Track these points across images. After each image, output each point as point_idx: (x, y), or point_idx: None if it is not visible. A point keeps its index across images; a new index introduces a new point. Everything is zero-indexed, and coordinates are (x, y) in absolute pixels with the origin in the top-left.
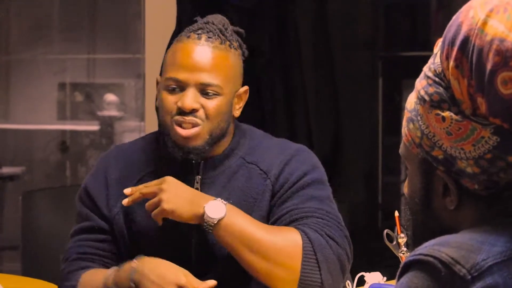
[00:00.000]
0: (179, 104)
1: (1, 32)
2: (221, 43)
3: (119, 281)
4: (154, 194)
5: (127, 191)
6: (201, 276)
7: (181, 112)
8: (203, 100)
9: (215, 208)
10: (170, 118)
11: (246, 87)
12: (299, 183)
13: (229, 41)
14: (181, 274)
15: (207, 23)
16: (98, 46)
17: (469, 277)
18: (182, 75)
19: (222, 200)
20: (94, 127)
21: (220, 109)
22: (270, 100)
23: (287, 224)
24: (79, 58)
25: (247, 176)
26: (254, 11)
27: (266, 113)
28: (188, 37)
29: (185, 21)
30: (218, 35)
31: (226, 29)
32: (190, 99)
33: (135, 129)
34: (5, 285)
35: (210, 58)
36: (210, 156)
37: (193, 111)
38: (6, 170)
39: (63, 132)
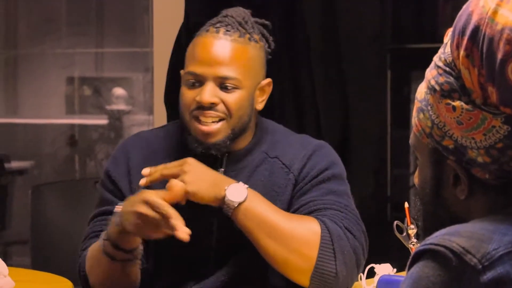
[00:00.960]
0: (198, 98)
1: (10, 27)
2: (240, 36)
3: (110, 230)
4: (175, 176)
5: (145, 171)
6: (221, 264)
7: (200, 107)
8: (222, 94)
9: (236, 191)
10: (189, 114)
11: (269, 79)
12: (319, 177)
13: (249, 33)
14: (143, 192)
15: (226, 16)
16: (106, 40)
17: (480, 266)
18: (200, 69)
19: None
20: (102, 121)
21: (241, 103)
22: (278, 93)
23: (306, 214)
24: (88, 52)
25: (269, 170)
26: (262, 5)
27: (275, 106)
28: (207, 31)
29: (193, 15)
30: (237, 28)
31: (246, 22)
32: (208, 93)
33: (144, 123)
34: (14, 279)
35: (228, 51)
36: (233, 150)
37: (212, 106)
38: (15, 164)
39: (72, 126)
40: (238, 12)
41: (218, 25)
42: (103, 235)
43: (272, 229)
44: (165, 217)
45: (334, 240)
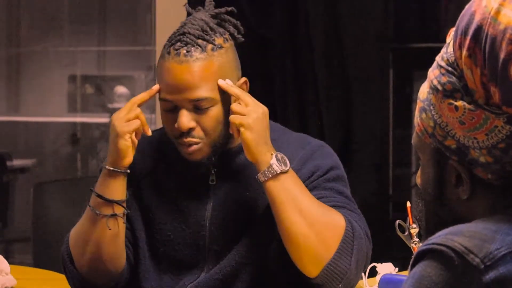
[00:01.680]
0: (176, 126)
1: (12, 25)
2: (201, 52)
3: (97, 184)
4: (243, 113)
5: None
6: (216, 263)
7: (180, 134)
8: (198, 117)
9: (281, 161)
10: (174, 138)
11: (244, 79)
12: (326, 176)
13: (211, 43)
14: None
15: (183, 34)
16: (109, 38)
17: (483, 266)
18: (171, 96)
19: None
20: (104, 119)
21: (218, 119)
22: (281, 91)
23: None
24: (90, 50)
25: None
26: (265, 4)
27: (277, 104)
28: (168, 53)
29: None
30: (196, 44)
31: (205, 31)
32: (184, 119)
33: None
34: (16, 276)
35: (193, 73)
36: (227, 148)
37: (190, 130)
38: (17, 162)
39: (74, 124)
40: (195, 24)
41: (177, 46)
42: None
43: (303, 207)
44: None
45: (356, 237)
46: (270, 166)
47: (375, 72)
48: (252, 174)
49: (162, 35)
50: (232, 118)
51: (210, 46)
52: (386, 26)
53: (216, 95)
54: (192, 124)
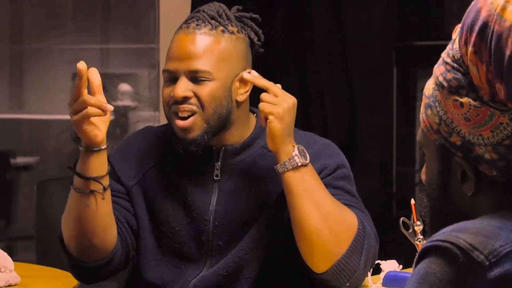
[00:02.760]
0: (172, 93)
1: (15, 22)
2: (211, 29)
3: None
4: (270, 102)
5: (247, 74)
6: (217, 256)
7: (175, 101)
8: (194, 87)
9: (302, 153)
10: (169, 110)
11: (249, 71)
12: (333, 174)
13: (223, 26)
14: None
15: (198, 11)
16: (112, 36)
17: (487, 263)
18: (172, 66)
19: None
20: None
21: (214, 95)
22: (284, 89)
23: None
24: (93, 48)
25: (269, 165)
26: (269, 3)
27: None
28: (180, 28)
29: None
30: (208, 22)
31: (220, 15)
32: (180, 87)
33: (149, 119)
34: (20, 274)
35: (198, 45)
36: (230, 144)
37: (185, 99)
38: (20, 160)
39: None
40: (212, 6)
41: (189, 21)
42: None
43: (320, 200)
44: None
45: (366, 236)
46: (292, 157)
47: (379, 70)
48: (257, 170)
49: (165, 33)
50: (262, 105)
51: (221, 27)
52: (389, 24)
53: (216, 72)
54: (188, 93)
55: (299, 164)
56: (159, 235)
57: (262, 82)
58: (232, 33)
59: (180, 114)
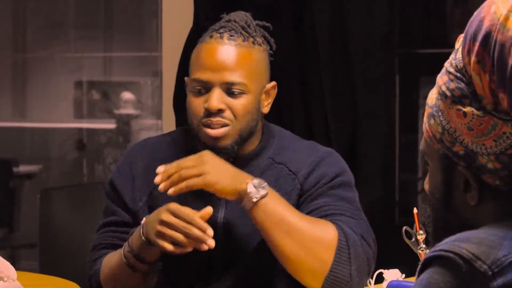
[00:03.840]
0: (205, 105)
1: (18, 31)
2: (243, 40)
3: (133, 242)
4: (193, 166)
5: (160, 169)
6: (225, 269)
7: (208, 114)
8: (229, 100)
9: (258, 186)
10: (198, 121)
11: (273, 83)
12: (330, 184)
13: (252, 37)
14: (170, 203)
15: (229, 21)
16: (115, 44)
17: (490, 273)
18: (205, 76)
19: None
20: (111, 125)
21: (248, 108)
22: (287, 97)
23: (319, 218)
24: (96, 56)
25: (275, 176)
26: (271, 7)
27: (284, 110)
28: (211, 36)
29: (202, 18)
30: (240, 33)
31: (248, 25)
32: (215, 99)
33: (152, 127)
34: (23, 282)
35: (233, 56)
36: (239, 155)
37: (219, 112)
38: (24, 168)
39: (80, 130)
40: (240, 16)
41: (221, 30)
42: (125, 246)
43: (290, 228)
44: (188, 228)
45: (350, 245)
46: (247, 196)
47: (382, 77)
48: (265, 177)
49: (168, 41)
50: (185, 173)
51: (251, 39)
52: (392, 32)
53: (250, 84)
54: (223, 105)
55: (258, 198)
56: (165, 252)
57: (182, 165)
58: (260, 44)
59: (213, 127)
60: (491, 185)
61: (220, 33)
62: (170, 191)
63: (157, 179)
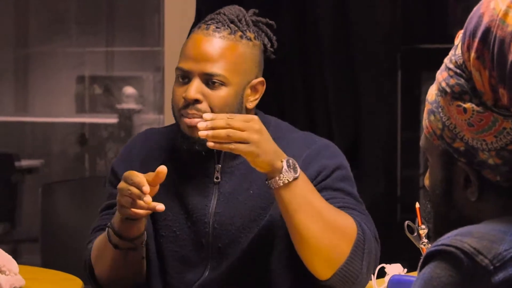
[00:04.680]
0: (183, 94)
1: (20, 26)
2: (230, 33)
3: (113, 220)
4: (241, 129)
5: (207, 115)
6: (217, 259)
7: (186, 104)
8: (207, 91)
9: (292, 166)
10: (178, 111)
11: (261, 78)
12: (332, 176)
13: (241, 31)
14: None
15: (219, 13)
16: (117, 39)
17: (492, 267)
18: (187, 65)
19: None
20: (112, 120)
21: (226, 100)
22: (289, 93)
23: None
24: (98, 51)
25: None
26: (274, 5)
27: (285, 106)
28: (199, 27)
29: (204, 13)
30: (227, 25)
31: (240, 19)
32: (193, 89)
33: (154, 122)
34: (25, 276)
35: (215, 47)
36: None
37: (196, 102)
38: (25, 163)
39: (82, 125)
40: (233, 10)
41: (209, 22)
42: (109, 224)
43: (316, 212)
44: (129, 188)
45: (366, 240)
46: (282, 173)
47: (383, 73)
48: (257, 172)
49: (170, 35)
50: (232, 133)
51: (239, 33)
52: (394, 27)
53: (231, 77)
54: (199, 96)
55: (290, 179)
56: (159, 240)
57: (230, 123)
58: (249, 39)
59: (190, 117)
60: (492, 181)
61: (207, 24)
62: (211, 144)
63: (201, 125)
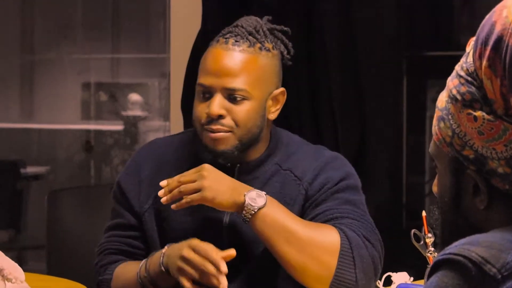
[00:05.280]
0: (206, 111)
1: (26, 32)
2: (249, 46)
3: (151, 268)
4: (193, 181)
5: (163, 183)
6: (231, 272)
7: (210, 119)
8: (230, 106)
9: (256, 197)
10: (200, 126)
11: (282, 89)
12: (335, 188)
13: (260, 43)
14: (192, 239)
15: (237, 26)
16: (122, 46)
17: (499, 276)
18: (208, 81)
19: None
20: (118, 126)
21: (250, 114)
22: (295, 99)
23: (323, 223)
24: (103, 57)
25: (281, 182)
26: (280, 9)
27: (292, 113)
28: (217, 41)
29: (210, 20)
30: (246, 38)
31: (257, 31)
32: (216, 105)
33: (160, 129)
34: (30, 284)
35: (236, 62)
36: (245, 161)
37: (220, 118)
38: (31, 169)
39: (88, 132)
40: (250, 21)
41: (228, 35)
42: (142, 267)
43: (291, 235)
44: (204, 264)
45: (354, 248)
46: (245, 208)
47: (389, 79)
48: (270, 188)
49: (176, 42)
50: (184, 188)
51: (258, 44)
52: (400, 34)
53: (253, 91)
54: (223, 111)
55: (256, 209)
56: None
57: (182, 180)
58: (268, 50)
59: (213, 129)
60: (501, 189)
61: (226, 38)
62: (173, 206)
63: (160, 193)
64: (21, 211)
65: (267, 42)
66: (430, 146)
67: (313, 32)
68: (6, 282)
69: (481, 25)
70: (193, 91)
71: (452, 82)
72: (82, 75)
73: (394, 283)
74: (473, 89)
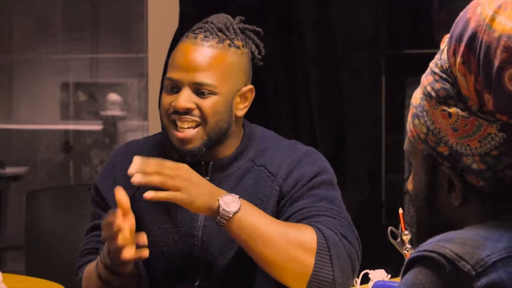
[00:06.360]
0: (173, 104)
1: (4, 32)
2: (218, 42)
3: (102, 257)
4: (169, 179)
5: (136, 160)
6: (206, 272)
7: (176, 111)
8: (198, 100)
9: (230, 202)
10: (167, 118)
11: (250, 86)
12: (309, 184)
13: (229, 40)
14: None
15: (206, 22)
16: (101, 46)
17: (474, 273)
18: (176, 75)
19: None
20: (97, 126)
21: (217, 108)
22: (273, 98)
23: (299, 221)
24: (82, 57)
25: (255, 179)
26: (258, 9)
27: (270, 111)
28: (187, 37)
29: (187, 20)
30: (216, 34)
31: (228, 28)
32: (183, 98)
33: (138, 129)
34: (9, 285)
35: (205, 57)
36: (218, 158)
37: (187, 111)
38: (10, 170)
39: (67, 132)
40: (220, 18)
41: (197, 31)
42: (98, 258)
43: (267, 237)
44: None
45: (331, 246)
46: (220, 213)
47: (368, 78)
48: (243, 185)
49: (154, 42)
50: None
51: (228, 41)
52: (378, 32)
53: (220, 86)
54: (190, 105)
55: (231, 215)
56: (147, 257)
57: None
58: (238, 47)
59: (180, 125)
60: (475, 186)
61: (195, 33)
62: (151, 195)
63: (131, 169)
64: (0, 212)
65: (237, 39)
66: (405, 143)
67: (291, 31)
68: None
69: (455, 21)
70: None
71: (426, 79)
72: (61, 75)
73: (372, 280)
74: (447, 85)
